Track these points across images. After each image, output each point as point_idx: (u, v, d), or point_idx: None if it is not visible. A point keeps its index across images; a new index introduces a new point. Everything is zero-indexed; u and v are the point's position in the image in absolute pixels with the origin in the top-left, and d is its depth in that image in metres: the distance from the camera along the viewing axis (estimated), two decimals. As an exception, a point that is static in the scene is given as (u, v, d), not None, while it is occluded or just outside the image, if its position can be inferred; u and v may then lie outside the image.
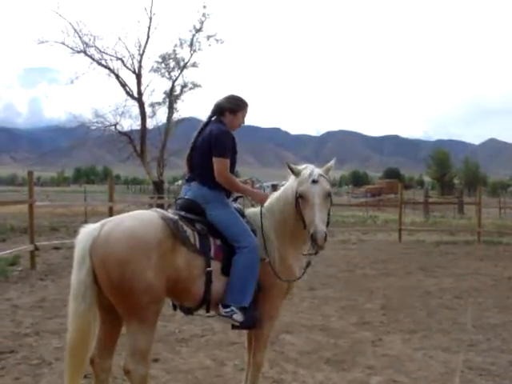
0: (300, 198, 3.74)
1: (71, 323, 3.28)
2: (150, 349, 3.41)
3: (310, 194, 3.68)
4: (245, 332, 4.35)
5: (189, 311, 3.88)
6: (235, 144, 3.97)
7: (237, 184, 3.91)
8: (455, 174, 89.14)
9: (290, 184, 3.99)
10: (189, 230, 3.58)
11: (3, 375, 4.80)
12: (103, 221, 3.46)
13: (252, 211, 4.11)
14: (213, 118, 4.06)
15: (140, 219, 3.44)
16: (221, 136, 3.84)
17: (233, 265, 3.66)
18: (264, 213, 3.99)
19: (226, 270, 3.67)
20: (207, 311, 3.77)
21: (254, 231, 3.85)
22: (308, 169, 3.83)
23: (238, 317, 3.68)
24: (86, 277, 3.25)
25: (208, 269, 3.56)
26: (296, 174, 3.87)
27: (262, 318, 3.87)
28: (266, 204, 4.04)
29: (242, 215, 3.96)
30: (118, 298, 3.27)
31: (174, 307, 3.92)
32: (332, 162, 3.99)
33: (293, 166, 3.92)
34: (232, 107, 4.02)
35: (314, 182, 3.71)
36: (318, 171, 3.80)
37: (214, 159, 3.79)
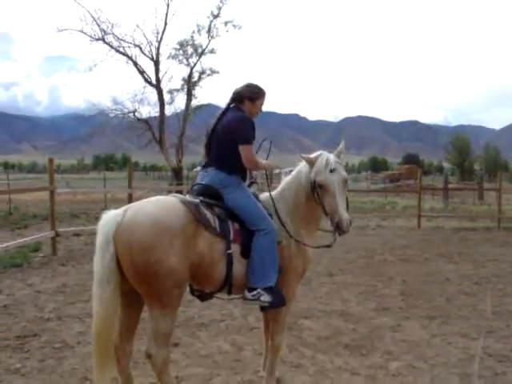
0: (319, 188, 3.80)
1: (96, 309, 3.32)
2: (171, 333, 3.48)
3: (329, 184, 3.74)
4: (262, 317, 4.40)
5: (208, 296, 3.92)
6: (255, 130, 4.00)
7: (261, 165, 3.99)
8: (475, 159, 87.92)
9: (301, 169, 4.06)
10: (209, 214, 3.62)
11: (28, 357, 4.92)
12: (125, 206, 3.50)
13: (265, 196, 4.15)
14: (231, 106, 4.09)
15: (162, 205, 3.48)
16: (243, 122, 3.88)
17: (252, 248, 3.70)
18: (277, 198, 4.06)
19: (245, 253, 3.71)
20: (229, 294, 3.82)
21: (269, 215, 3.89)
22: (323, 157, 3.87)
23: (266, 297, 3.72)
24: (110, 262, 3.28)
25: (229, 251, 3.61)
26: (310, 163, 3.91)
27: None
28: (278, 190, 4.14)
29: (257, 200, 4.00)
30: (142, 283, 3.32)
31: (192, 293, 3.97)
32: (342, 145, 4.02)
33: (305, 155, 3.97)
34: (251, 95, 4.06)
35: (332, 171, 3.76)
36: (333, 159, 3.84)
37: (241, 147, 3.82)
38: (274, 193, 4.12)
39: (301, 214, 4.03)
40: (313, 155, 3.96)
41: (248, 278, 3.72)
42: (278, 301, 3.83)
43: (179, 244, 3.32)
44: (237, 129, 3.84)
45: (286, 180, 4.18)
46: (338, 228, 3.68)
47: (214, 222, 3.62)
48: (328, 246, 4.12)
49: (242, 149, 3.83)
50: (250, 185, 4.19)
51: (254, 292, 3.71)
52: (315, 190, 3.85)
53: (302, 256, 4.00)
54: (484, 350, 5.26)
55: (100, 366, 3.37)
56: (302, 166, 4.05)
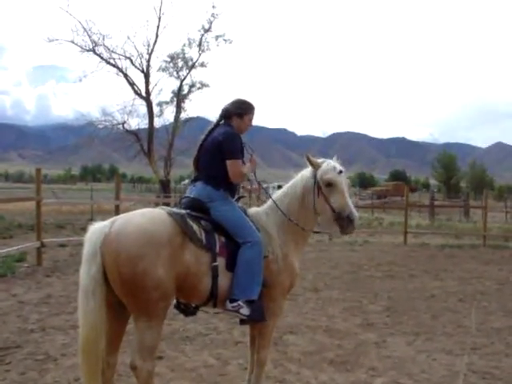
0: (327, 186, 3.91)
1: (83, 321, 3.30)
2: (157, 345, 3.47)
3: (338, 182, 3.90)
4: (249, 331, 4.39)
5: (192, 311, 3.92)
6: (243, 146, 4.03)
7: (246, 170, 4.01)
8: (462, 177, 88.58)
9: (300, 178, 4.13)
10: (195, 226, 3.64)
11: (9, 370, 4.85)
12: (113, 218, 3.51)
13: (255, 210, 4.18)
14: (221, 122, 4.14)
15: (149, 216, 3.49)
16: (230, 138, 3.92)
17: (238, 259, 3.72)
18: (267, 212, 4.11)
19: (230, 267, 3.72)
20: (214, 307, 3.81)
21: (257, 229, 3.90)
22: (329, 161, 4.04)
23: (245, 311, 3.72)
24: (96, 273, 3.27)
25: (214, 263, 3.62)
26: (315, 165, 4.01)
27: (266, 315, 3.92)
28: (270, 202, 4.15)
29: (245, 214, 4.02)
30: (129, 295, 3.31)
31: (177, 307, 3.95)
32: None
33: (312, 157, 4.06)
34: (238, 111, 4.11)
35: (340, 172, 3.93)
36: (339, 164, 4.02)
37: (228, 162, 3.88)
38: (265, 206, 4.17)
39: (290, 226, 4.05)
40: (319, 160, 4.08)
41: (231, 290, 3.73)
42: (257, 315, 3.81)
43: (166, 255, 3.32)
44: (224, 144, 3.89)
45: (280, 191, 4.22)
46: (349, 220, 3.81)
47: (201, 234, 3.64)
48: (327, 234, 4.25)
49: (230, 164, 3.88)
50: (238, 199, 4.22)
51: (235, 303, 3.71)
52: (320, 190, 3.94)
53: (289, 270, 4.00)
54: (468, 366, 5.28)
55: (89, 379, 3.34)
56: (302, 175, 4.13)
